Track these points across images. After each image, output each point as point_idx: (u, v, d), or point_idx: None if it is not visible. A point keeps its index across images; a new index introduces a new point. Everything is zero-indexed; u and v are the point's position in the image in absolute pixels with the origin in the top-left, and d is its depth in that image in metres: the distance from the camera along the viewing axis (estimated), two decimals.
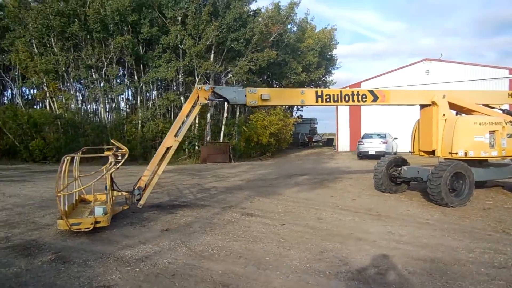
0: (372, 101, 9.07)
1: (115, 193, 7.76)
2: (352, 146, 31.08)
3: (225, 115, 26.14)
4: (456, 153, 9.02)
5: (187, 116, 8.03)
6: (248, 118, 27.45)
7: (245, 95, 8.10)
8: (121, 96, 27.56)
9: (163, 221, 7.35)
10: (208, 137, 25.83)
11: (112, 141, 8.53)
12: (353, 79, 29.69)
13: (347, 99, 8.83)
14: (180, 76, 24.15)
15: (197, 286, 4.26)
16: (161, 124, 24.32)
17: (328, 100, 8.70)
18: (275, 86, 33.06)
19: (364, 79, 31.27)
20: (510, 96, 10.49)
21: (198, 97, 7.91)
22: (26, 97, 30.44)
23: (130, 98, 28.50)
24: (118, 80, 24.60)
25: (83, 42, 23.13)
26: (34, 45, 24.39)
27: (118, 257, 5.22)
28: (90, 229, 6.29)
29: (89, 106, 27.85)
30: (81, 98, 26.84)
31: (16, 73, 25.35)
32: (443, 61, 28.21)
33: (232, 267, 4.83)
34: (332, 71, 42.23)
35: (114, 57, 23.60)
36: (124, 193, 7.80)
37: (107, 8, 21.01)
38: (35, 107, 28.55)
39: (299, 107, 44.40)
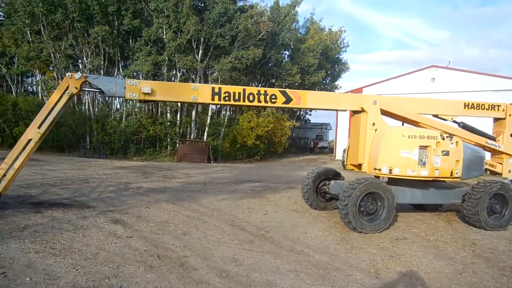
0: (284, 102, 7.87)
1: None
2: None
3: (210, 113, 25.26)
4: (380, 170, 7.67)
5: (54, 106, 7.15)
6: (237, 118, 26.45)
7: (125, 87, 7.16)
8: None
9: (8, 222, 6.50)
10: (192, 136, 25.05)
11: None
12: None
13: (251, 98, 7.67)
14: (164, 70, 23.52)
15: None
16: (143, 119, 23.77)
17: (227, 98, 7.57)
18: (275, 86, 31.86)
19: (367, 84, 29.48)
20: (466, 107, 8.94)
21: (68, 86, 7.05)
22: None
23: None
24: (102, 72, 24.24)
25: (68, 31, 22.94)
26: (28, 32, 24.52)
27: None
28: None
29: (83, 97, 27.75)
30: None
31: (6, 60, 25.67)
32: (450, 69, 26.05)
33: None
34: (341, 75, 40.38)
35: (101, 47, 23.29)
36: None
37: None
38: (30, 95, 28.84)
39: (307, 110, 43.07)
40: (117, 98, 24.97)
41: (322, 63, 32.66)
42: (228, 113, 27.83)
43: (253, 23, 23.39)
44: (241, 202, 9.76)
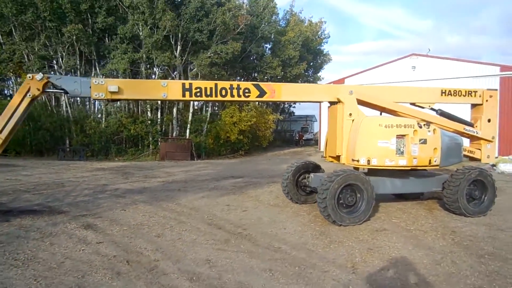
0: (258, 96, 7.68)
1: None
2: None
3: (191, 110, 24.88)
4: (358, 161, 7.55)
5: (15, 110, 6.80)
6: (220, 114, 26.16)
7: (90, 87, 6.86)
8: None
9: None
10: (174, 133, 24.68)
11: None
12: None
13: (223, 93, 7.45)
14: (142, 68, 23.04)
15: None
16: (123, 118, 23.27)
17: (198, 94, 7.34)
18: (257, 80, 31.65)
19: (348, 75, 29.47)
20: (443, 95, 8.87)
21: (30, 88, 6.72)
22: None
23: None
24: (78, 72, 23.61)
25: (40, 31, 22.23)
26: None
27: None
28: None
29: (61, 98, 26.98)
30: None
31: None
32: (430, 57, 26.21)
33: None
34: (324, 66, 40.33)
35: (76, 46, 22.64)
36: None
37: None
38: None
39: (291, 103, 42.92)
40: None
41: (303, 55, 32.48)
42: (210, 108, 27.50)
43: (231, 16, 23.03)
44: (221, 200, 9.56)
